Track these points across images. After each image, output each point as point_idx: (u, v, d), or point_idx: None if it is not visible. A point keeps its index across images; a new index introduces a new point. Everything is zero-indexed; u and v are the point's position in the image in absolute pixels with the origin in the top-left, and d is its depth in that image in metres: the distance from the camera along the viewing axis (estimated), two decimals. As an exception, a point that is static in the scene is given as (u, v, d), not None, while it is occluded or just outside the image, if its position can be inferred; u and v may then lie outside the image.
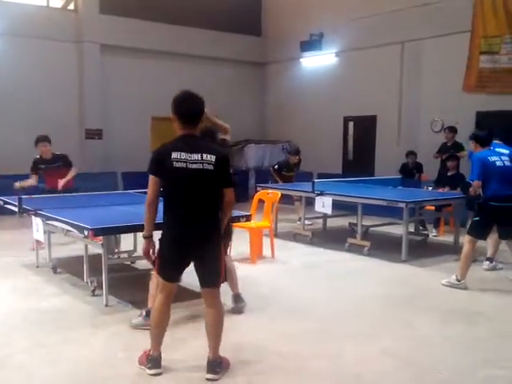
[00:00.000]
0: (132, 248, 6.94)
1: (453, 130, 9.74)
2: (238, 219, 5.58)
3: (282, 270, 6.99)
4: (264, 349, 4.32)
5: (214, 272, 3.74)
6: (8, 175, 10.87)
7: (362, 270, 7.02)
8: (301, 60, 14.59)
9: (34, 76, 12.26)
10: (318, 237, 8.91)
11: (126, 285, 5.87)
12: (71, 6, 13.15)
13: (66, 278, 6.36)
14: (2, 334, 4.59)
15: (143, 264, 6.54)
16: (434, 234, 9.30)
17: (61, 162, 8.03)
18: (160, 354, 3.82)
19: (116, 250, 6.77)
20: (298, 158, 10.68)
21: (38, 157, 7.98)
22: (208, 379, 3.73)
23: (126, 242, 6.89)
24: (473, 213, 6.58)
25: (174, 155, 3.55)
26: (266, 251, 7.55)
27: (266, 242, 7.57)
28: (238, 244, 7.55)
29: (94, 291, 5.57)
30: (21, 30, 11.90)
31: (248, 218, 5.93)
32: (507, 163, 6.00)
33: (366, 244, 7.83)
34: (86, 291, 5.68)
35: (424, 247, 8.54)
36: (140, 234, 6.43)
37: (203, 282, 3.76)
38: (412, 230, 8.72)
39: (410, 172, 10.68)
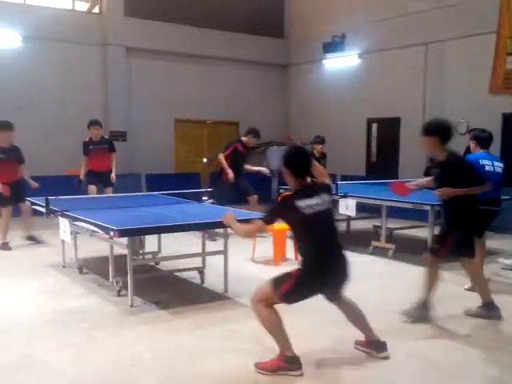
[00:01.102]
0: (156, 249, 7.00)
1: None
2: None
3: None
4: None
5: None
6: (36, 176, 11.08)
7: (387, 273, 6.96)
8: (323, 62, 14.53)
9: (58, 79, 12.43)
10: (341, 239, 8.83)
11: (150, 286, 5.91)
12: (96, 10, 13.30)
13: (91, 278, 6.43)
14: (29, 334, 4.64)
15: (167, 265, 6.59)
16: (459, 237, 9.17)
17: (107, 145, 9.21)
18: (295, 354, 3.89)
19: (140, 251, 6.83)
20: (321, 147, 10.17)
21: (87, 139, 9.11)
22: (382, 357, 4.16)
23: (151, 243, 6.95)
24: None
25: (299, 204, 3.82)
26: (290, 253, 7.55)
27: (289, 244, 7.54)
28: (262, 246, 7.59)
29: (119, 291, 5.62)
30: (46, 33, 12.09)
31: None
32: (498, 170, 5.90)
33: (390, 247, 7.78)
34: (111, 291, 5.74)
35: (449, 250, 8.42)
36: (164, 236, 6.49)
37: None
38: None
39: (435, 174, 10.57)
